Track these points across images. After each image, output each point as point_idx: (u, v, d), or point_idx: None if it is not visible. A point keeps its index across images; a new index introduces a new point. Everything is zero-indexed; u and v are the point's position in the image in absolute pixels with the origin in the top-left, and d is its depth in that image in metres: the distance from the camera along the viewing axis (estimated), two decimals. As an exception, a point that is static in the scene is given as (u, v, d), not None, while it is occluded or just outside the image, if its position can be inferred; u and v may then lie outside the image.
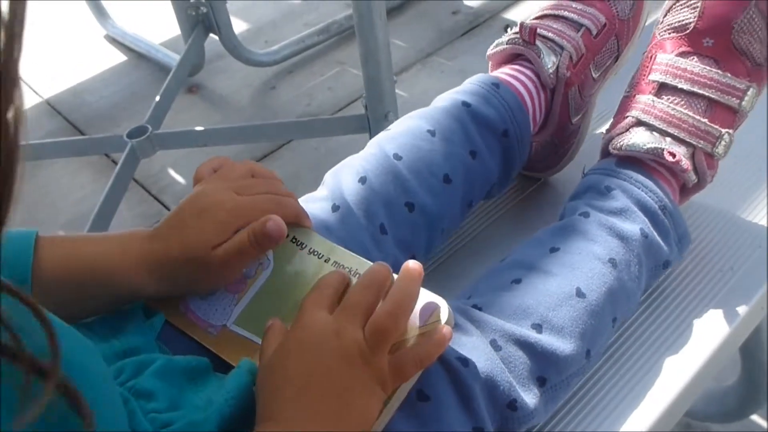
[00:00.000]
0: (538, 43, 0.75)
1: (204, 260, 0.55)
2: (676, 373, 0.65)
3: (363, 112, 1.54)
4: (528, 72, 0.77)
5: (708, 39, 0.69)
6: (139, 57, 2.25)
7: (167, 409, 0.50)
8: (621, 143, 0.69)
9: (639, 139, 0.68)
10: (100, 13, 2.32)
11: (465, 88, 0.75)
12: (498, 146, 0.73)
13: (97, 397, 0.44)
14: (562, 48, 0.76)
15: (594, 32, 0.78)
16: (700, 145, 0.68)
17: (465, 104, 0.72)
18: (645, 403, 0.63)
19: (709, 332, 0.67)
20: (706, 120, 0.68)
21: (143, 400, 0.49)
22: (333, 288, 0.52)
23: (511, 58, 0.80)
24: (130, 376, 0.51)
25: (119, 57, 2.28)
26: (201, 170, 0.62)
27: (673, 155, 0.66)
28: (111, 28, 2.32)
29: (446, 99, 0.74)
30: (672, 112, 0.68)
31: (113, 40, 2.33)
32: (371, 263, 0.57)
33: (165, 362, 0.52)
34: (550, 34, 0.77)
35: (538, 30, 0.76)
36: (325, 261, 0.58)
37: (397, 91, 1.52)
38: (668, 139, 0.68)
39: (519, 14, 2.15)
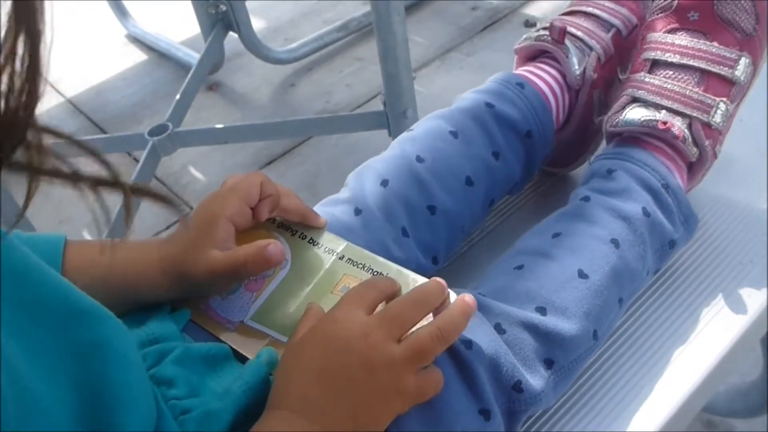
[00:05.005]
0: (566, 41, 0.75)
1: (195, 262, 0.56)
2: (693, 367, 0.64)
3: (382, 109, 1.54)
4: (554, 72, 0.77)
5: (693, 13, 0.71)
6: (159, 56, 2.27)
7: (186, 395, 0.50)
8: (617, 120, 0.71)
9: (634, 114, 0.69)
10: (121, 12, 2.34)
11: (488, 88, 0.75)
12: (521, 146, 0.73)
13: (132, 384, 0.45)
14: (590, 48, 0.76)
15: (624, 33, 0.78)
16: (694, 115, 0.68)
17: (488, 105, 0.72)
18: (660, 398, 0.62)
19: (727, 325, 0.67)
20: (699, 90, 0.69)
21: (164, 387, 0.50)
22: (378, 291, 0.51)
23: (538, 53, 0.80)
24: (152, 364, 0.52)
25: (140, 56, 2.30)
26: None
27: (665, 123, 0.67)
28: (132, 27, 2.34)
29: (469, 99, 0.74)
30: (664, 85, 0.70)
31: (134, 40, 2.35)
32: (384, 261, 0.58)
33: (184, 349, 0.53)
34: (579, 33, 0.76)
35: (568, 28, 0.76)
36: (339, 258, 0.60)
37: (415, 87, 1.52)
38: (663, 111, 0.69)
39: (538, 9, 2.14)
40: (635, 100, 0.71)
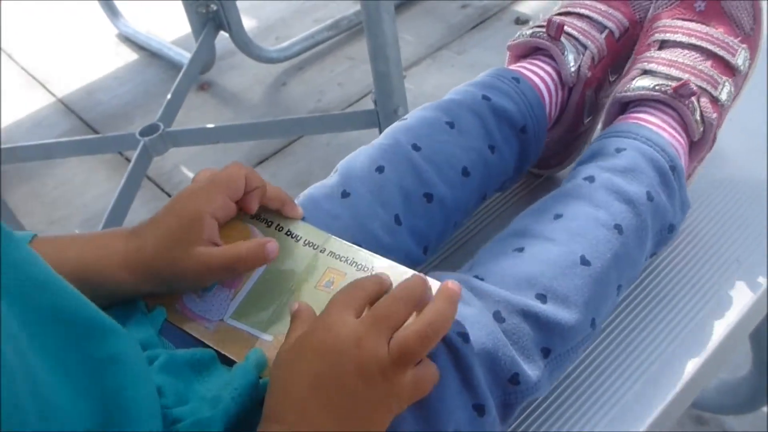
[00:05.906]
0: (562, 39, 0.75)
1: (176, 260, 0.54)
2: (684, 363, 0.65)
3: (372, 108, 1.55)
4: (548, 68, 0.77)
5: (700, 3, 0.74)
6: (150, 55, 2.26)
7: (175, 404, 0.49)
8: (627, 87, 0.71)
9: (645, 82, 0.71)
10: (112, 12, 2.33)
11: (484, 81, 0.74)
12: (516, 141, 0.72)
13: (144, 398, 0.45)
14: (585, 47, 0.76)
15: (617, 36, 0.78)
16: (704, 86, 0.69)
17: (485, 98, 0.71)
18: (650, 395, 0.63)
19: (714, 324, 0.68)
20: (708, 65, 0.71)
21: None
22: (365, 292, 0.50)
23: (530, 50, 0.79)
24: None
25: (131, 56, 2.29)
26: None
27: (680, 82, 0.68)
28: (123, 26, 2.34)
29: (464, 92, 0.73)
30: (675, 58, 0.71)
31: (125, 39, 2.34)
32: (368, 254, 0.56)
33: (169, 357, 0.52)
34: (574, 32, 0.77)
35: (565, 27, 0.76)
36: (320, 252, 0.58)
37: (406, 86, 1.52)
38: (674, 82, 0.69)
39: (528, 7, 2.15)
40: (646, 72, 0.72)
